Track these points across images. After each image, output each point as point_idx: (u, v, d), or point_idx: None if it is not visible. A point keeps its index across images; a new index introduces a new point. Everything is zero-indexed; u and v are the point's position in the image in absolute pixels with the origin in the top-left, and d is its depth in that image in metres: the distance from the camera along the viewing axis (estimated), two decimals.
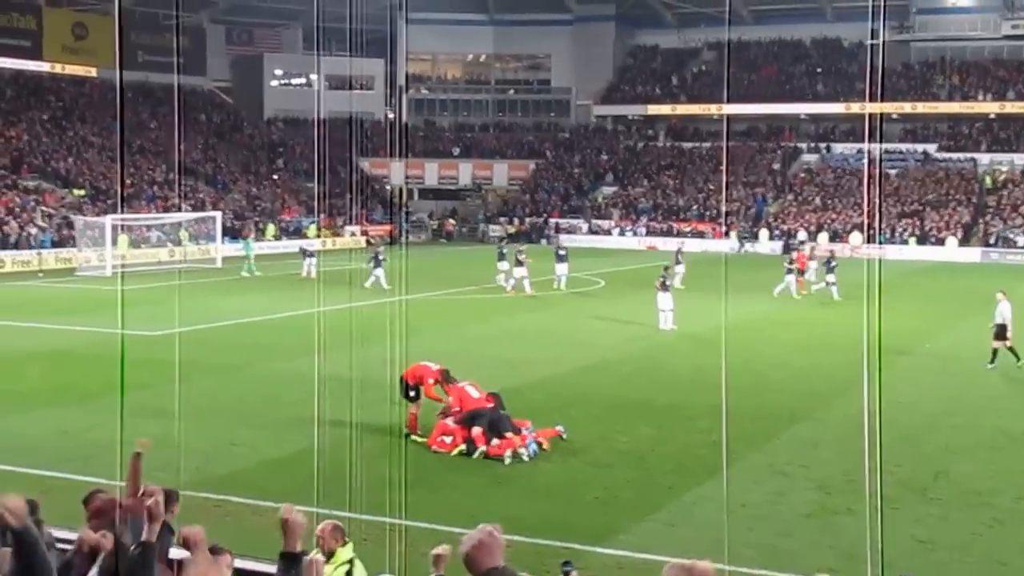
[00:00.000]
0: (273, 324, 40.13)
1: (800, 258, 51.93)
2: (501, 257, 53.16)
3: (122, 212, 70.45)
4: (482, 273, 58.41)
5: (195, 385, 27.14)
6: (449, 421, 21.98)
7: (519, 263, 50.12)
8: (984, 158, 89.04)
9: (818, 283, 49.70)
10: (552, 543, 16.37)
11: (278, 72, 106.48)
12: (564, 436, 22.19)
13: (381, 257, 51.39)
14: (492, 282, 52.55)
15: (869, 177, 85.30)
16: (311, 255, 57.59)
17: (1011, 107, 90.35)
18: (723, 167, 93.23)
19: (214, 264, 63.97)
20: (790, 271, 50.08)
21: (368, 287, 48.72)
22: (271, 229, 79.95)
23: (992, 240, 79.06)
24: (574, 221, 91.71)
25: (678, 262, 52.27)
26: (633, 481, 19.96)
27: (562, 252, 53.44)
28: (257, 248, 67.65)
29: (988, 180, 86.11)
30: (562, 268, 51.98)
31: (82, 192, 74.95)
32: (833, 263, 49.13)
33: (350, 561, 11.42)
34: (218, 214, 70.88)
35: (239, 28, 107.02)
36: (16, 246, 64.69)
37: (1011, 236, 78.70)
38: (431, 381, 22.83)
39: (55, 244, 66.35)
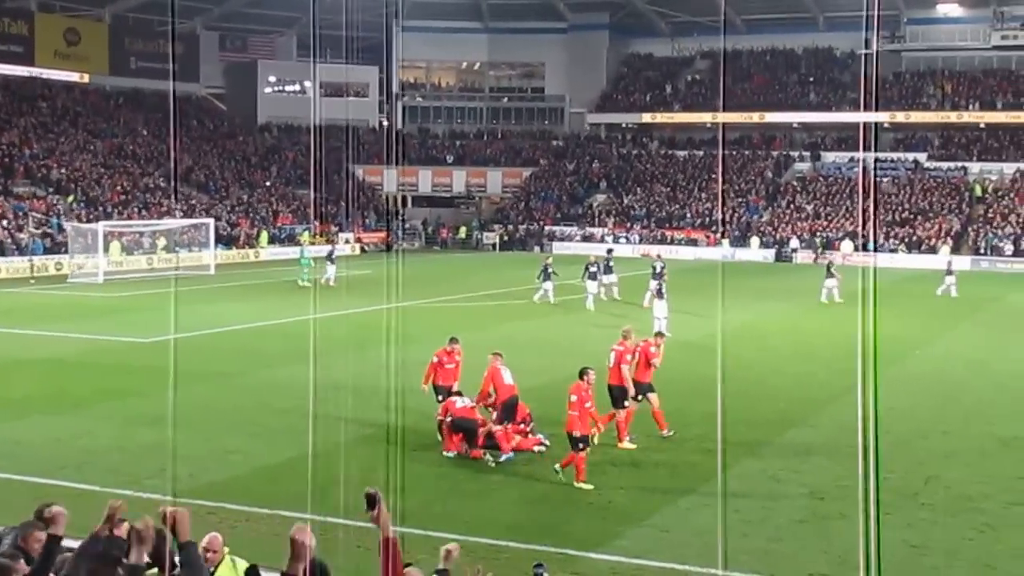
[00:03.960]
0: (267, 331, 40.14)
1: None
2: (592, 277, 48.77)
3: (115, 218, 70.59)
4: (476, 280, 58.63)
5: (189, 392, 27.14)
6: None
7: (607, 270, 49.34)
8: (974, 167, 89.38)
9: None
10: (547, 548, 16.43)
11: (272, 79, 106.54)
12: (543, 450, 22.21)
13: (551, 270, 49.14)
14: (486, 290, 52.56)
15: (863, 186, 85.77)
16: (334, 262, 56.74)
17: (1000, 116, 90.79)
18: (716, 175, 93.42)
19: (207, 271, 63.97)
20: None
21: (536, 301, 48.68)
22: (264, 236, 79.96)
23: (982, 248, 79.26)
24: (568, 229, 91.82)
25: (830, 275, 51.09)
26: (628, 487, 20.02)
27: (593, 269, 48.66)
28: (249, 255, 67.73)
29: (978, 189, 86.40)
30: (593, 286, 48.41)
31: (73, 198, 74.91)
32: None
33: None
34: (211, 221, 70.85)
35: (233, 35, 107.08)
36: (7, 253, 64.63)
37: (1000, 244, 78.95)
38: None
39: (47, 251, 66.17)
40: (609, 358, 23.65)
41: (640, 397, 23.38)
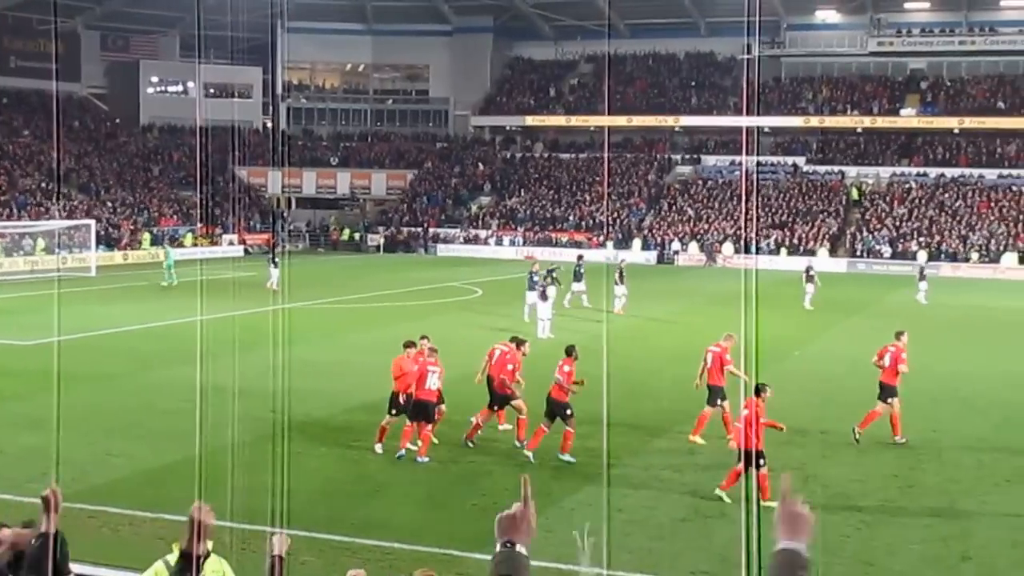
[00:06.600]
0: (150, 333, 39.72)
1: None
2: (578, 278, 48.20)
3: None
4: (361, 282, 58.53)
5: (71, 395, 26.83)
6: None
7: (620, 281, 47.32)
8: (851, 171, 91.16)
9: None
10: (431, 549, 16.55)
11: (154, 79, 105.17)
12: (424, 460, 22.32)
13: (576, 271, 47.18)
14: (371, 291, 52.40)
15: (744, 188, 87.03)
16: (277, 265, 55.23)
17: (876, 121, 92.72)
18: (599, 178, 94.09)
19: (89, 273, 63.02)
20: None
21: (566, 306, 47.05)
22: (147, 238, 78.94)
23: (858, 251, 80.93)
24: (452, 231, 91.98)
25: (809, 280, 51.30)
26: (513, 488, 19.95)
27: (536, 278, 43.82)
28: (130, 258, 66.71)
29: (855, 192, 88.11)
30: (532, 296, 44.21)
31: None
32: None
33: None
34: (92, 222, 69.81)
35: (115, 34, 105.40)
36: None
37: (876, 247, 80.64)
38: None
39: None
40: (706, 358, 24.34)
41: (889, 400, 24.12)
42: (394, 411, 22.48)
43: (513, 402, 23.15)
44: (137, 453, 22.23)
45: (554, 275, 45.48)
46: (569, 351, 22.79)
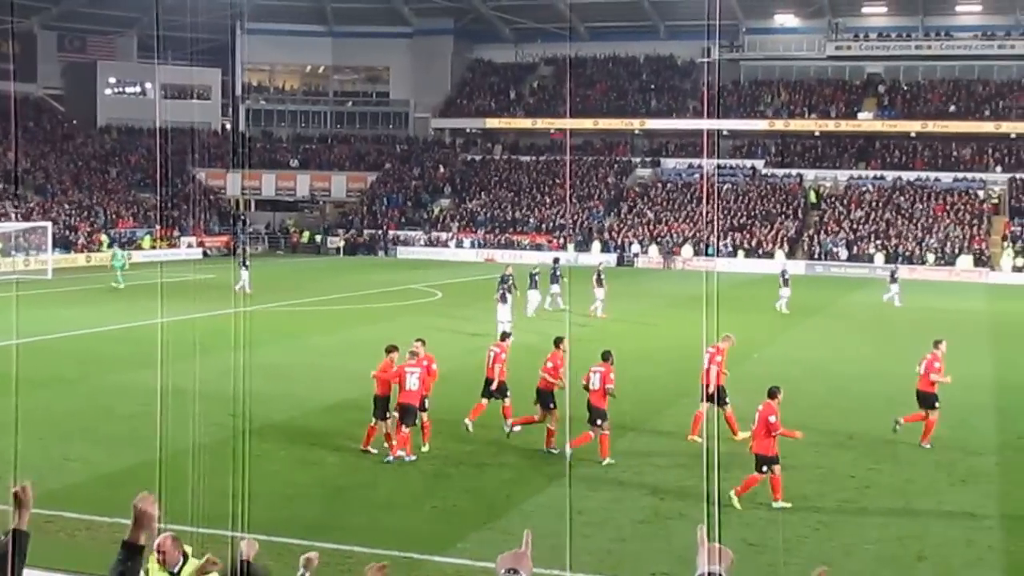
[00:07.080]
0: (109, 335, 39.49)
1: None
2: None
3: None
4: (322, 285, 58.34)
5: (27, 398, 26.58)
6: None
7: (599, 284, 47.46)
8: (809, 174, 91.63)
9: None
10: (391, 553, 16.51)
11: (112, 80, 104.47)
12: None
13: (537, 278, 46.75)
14: (331, 294, 52.22)
15: (705, 191, 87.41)
16: (247, 267, 54.26)
17: (834, 125, 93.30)
18: (559, 180, 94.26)
19: (45, 275, 62.53)
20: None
21: (548, 309, 47.06)
22: (104, 240, 78.47)
23: (816, 253, 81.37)
24: (412, 233, 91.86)
25: (784, 284, 51.23)
26: (472, 490, 20.20)
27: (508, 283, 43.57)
28: (92, 260, 66.30)
29: (812, 195, 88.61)
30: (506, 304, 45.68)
31: None
32: None
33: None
34: (48, 224, 69.31)
35: (71, 35, 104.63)
36: None
37: (834, 249, 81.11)
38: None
39: None
40: (705, 359, 24.57)
41: (935, 406, 24.42)
42: (389, 414, 22.47)
43: (551, 405, 23.22)
44: (94, 457, 22.09)
45: (536, 279, 46.58)
46: (606, 356, 23.11)
